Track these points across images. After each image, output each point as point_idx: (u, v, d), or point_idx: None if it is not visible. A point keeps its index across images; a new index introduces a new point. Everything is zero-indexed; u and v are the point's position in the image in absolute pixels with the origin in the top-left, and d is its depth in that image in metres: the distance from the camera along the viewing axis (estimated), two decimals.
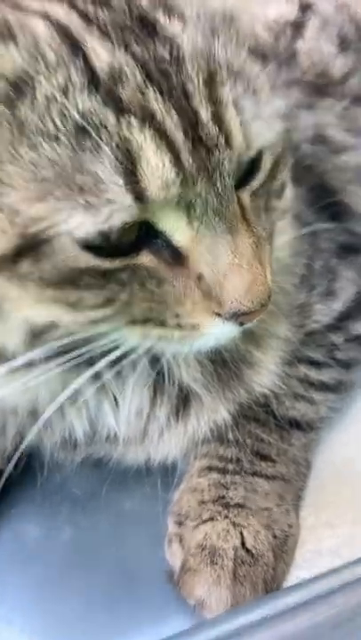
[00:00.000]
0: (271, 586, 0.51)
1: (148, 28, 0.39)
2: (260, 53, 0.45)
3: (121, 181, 0.36)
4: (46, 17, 0.38)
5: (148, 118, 0.37)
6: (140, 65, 0.37)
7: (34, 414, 0.51)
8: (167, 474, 0.58)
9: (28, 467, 0.57)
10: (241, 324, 0.42)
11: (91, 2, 0.39)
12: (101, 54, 0.37)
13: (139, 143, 0.36)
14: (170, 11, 0.40)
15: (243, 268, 0.40)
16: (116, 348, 0.44)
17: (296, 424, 0.59)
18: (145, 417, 0.53)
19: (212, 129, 0.38)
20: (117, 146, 0.36)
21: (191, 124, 0.38)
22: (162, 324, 0.42)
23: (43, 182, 0.37)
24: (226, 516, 0.52)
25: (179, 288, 0.41)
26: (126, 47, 0.37)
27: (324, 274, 0.61)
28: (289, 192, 0.49)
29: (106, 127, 0.36)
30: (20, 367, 0.43)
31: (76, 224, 0.37)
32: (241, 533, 0.52)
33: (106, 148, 0.36)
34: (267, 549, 0.52)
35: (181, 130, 0.37)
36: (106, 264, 0.39)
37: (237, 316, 0.41)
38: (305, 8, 0.70)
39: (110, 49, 0.37)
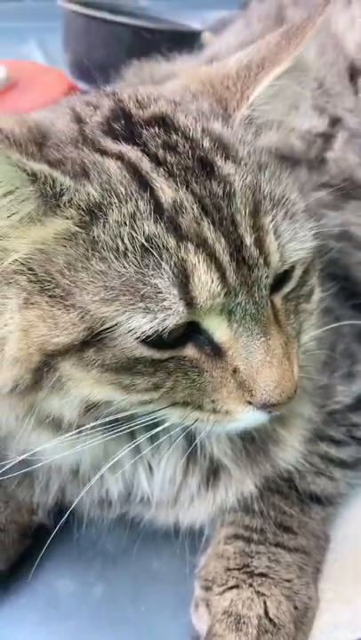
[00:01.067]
0: None
1: (206, 168, 0.46)
2: (294, 160, 0.52)
3: (176, 292, 0.43)
4: (120, 158, 0.46)
5: (202, 244, 0.44)
6: (198, 200, 0.45)
7: (75, 473, 0.58)
8: (194, 537, 0.62)
9: (65, 522, 0.60)
10: (269, 412, 0.48)
11: (161, 147, 0.46)
12: (166, 191, 0.44)
13: (193, 264, 0.43)
14: (226, 152, 0.47)
15: (273, 365, 0.46)
16: (158, 424, 0.50)
17: (316, 498, 0.62)
18: (177, 484, 0.58)
19: (253, 252, 0.45)
20: (175, 264, 0.43)
21: (237, 247, 0.45)
22: (200, 407, 0.48)
23: (110, 289, 0.44)
24: (250, 585, 0.56)
25: (217, 378, 0.47)
26: (187, 185, 0.45)
27: (345, 357, 0.67)
28: (316, 295, 0.55)
29: (167, 249, 0.43)
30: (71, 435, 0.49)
31: (137, 325, 0.43)
32: (264, 602, 0.55)
33: (165, 266, 0.43)
34: (288, 621, 0.55)
35: (228, 253, 0.44)
36: (157, 355, 0.45)
37: (266, 406, 0.47)
38: (335, 122, 0.79)
39: (174, 187, 0.45)
